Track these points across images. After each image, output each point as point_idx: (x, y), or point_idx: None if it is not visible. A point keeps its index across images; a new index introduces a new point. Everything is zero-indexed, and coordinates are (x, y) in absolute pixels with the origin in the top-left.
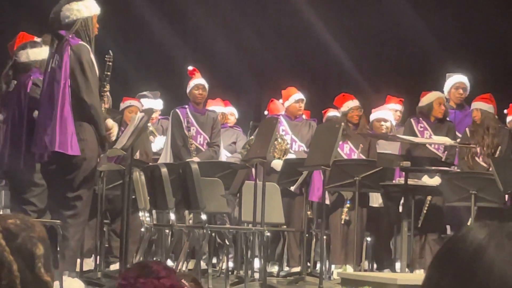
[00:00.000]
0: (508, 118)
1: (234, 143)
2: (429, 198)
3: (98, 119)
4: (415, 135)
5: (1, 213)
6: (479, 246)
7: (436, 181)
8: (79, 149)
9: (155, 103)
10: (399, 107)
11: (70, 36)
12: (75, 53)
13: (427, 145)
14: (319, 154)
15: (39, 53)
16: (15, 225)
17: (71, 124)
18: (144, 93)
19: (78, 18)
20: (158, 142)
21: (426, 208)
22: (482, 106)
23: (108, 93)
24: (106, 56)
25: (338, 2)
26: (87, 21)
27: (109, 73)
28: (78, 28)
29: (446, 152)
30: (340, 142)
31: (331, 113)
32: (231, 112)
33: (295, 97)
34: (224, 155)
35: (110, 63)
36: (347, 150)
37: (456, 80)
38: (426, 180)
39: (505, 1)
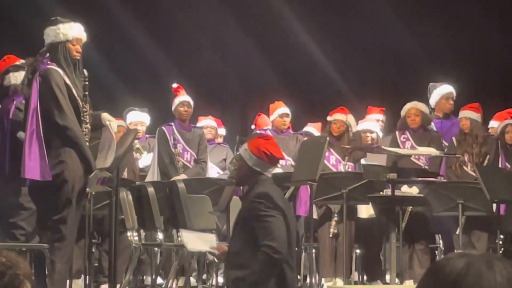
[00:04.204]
0: (492, 124)
1: (225, 159)
2: (409, 208)
3: (76, 140)
4: (399, 147)
5: None
6: (458, 275)
7: (414, 190)
8: (54, 173)
9: (142, 116)
10: (380, 116)
11: (43, 60)
12: (43, 77)
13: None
14: (306, 169)
15: (21, 76)
16: (1, 263)
17: (39, 149)
18: (132, 108)
19: (48, 42)
20: (145, 159)
21: (406, 218)
22: (471, 115)
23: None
24: (81, 76)
25: (323, 15)
26: (57, 46)
27: (86, 93)
28: (49, 53)
29: (426, 161)
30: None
31: (305, 128)
32: (220, 134)
33: (278, 112)
34: (216, 172)
35: (87, 83)
36: (334, 161)
37: (446, 91)
38: (405, 190)
39: (489, 11)
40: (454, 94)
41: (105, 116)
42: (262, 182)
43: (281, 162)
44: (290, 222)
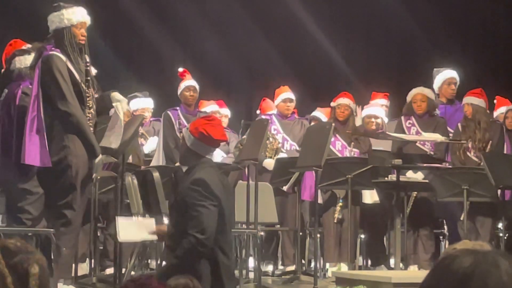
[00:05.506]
0: (495, 113)
1: (228, 143)
2: (414, 193)
3: (79, 125)
4: (404, 132)
5: None
6: (464, 275)
7: (419, 176)
8: (57, 158)
9: (146, 102)
10: (384, 101)
11: (47, 46)
12: (45, 64)
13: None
14: (311, 155)
15: (26, 61)
16: (15, 245)
17: (39, 136)
18: (135, 94)
19: (53, 28)
20: (150, 143)
21: (411, 204)
22: (473, 100)
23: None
24: (82, 61)
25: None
26: (62, 31)
27: (89, 78)
28: (53, 38)
29: (431, 147)
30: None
31: (314, 113)
32: (225, 114)
33: (282, 97)
34: (221, 156)
35: (88, 68)
36: (339, 147)
37: (448, 76)
38: (410, 176)
39: None
40: (457, 79)
41: (114, 95)
42: (201, 166)
43: (286, 147)
44: (227, 208)
